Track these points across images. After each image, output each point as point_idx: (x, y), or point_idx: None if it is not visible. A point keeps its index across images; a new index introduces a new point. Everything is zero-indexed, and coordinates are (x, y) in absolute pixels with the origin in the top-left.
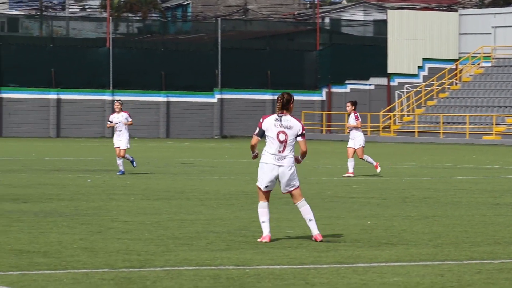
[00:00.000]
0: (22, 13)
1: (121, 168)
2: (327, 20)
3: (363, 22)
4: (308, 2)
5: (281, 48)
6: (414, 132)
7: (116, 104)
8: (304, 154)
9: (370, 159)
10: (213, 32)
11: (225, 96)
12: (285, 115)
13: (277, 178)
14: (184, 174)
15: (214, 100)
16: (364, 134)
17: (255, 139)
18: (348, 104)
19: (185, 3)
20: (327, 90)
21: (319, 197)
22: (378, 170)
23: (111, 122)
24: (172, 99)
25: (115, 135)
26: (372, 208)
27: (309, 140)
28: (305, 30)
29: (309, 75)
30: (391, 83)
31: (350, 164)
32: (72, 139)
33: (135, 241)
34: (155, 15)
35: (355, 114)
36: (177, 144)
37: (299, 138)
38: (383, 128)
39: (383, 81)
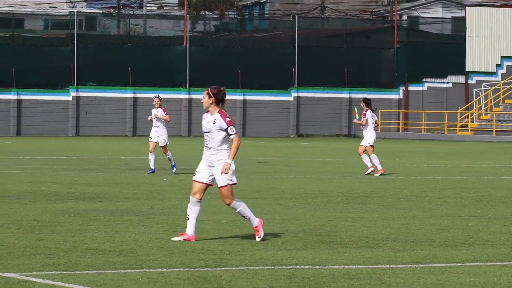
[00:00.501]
0: (100, 11)
1: (151, 165)
2: (404, 17)
3: (441, 19)
4: (386, 0)
5: (358, 46)
6: (492, 130)
7: (156, 99)
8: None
9: (366, 160)
10: (290, 30)
11: (301, 94)
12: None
13: None
14: (260, 173)
15: (291, 98)
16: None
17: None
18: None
19: (262, 1)
20: (404, 89)
21: (395, 196)
22: (368, 171)
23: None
24: (248, 97)
25: (152, 130)
26: (449, 208)
27: (386, 139)
28: (383, 28)
29: (386, 73)
30: (469, 81)
31: (375, 160)
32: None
33: (211, 240)
34: (232, 13)
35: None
36: (253, 143)
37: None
38: (460, 126)
39: (461, 79)
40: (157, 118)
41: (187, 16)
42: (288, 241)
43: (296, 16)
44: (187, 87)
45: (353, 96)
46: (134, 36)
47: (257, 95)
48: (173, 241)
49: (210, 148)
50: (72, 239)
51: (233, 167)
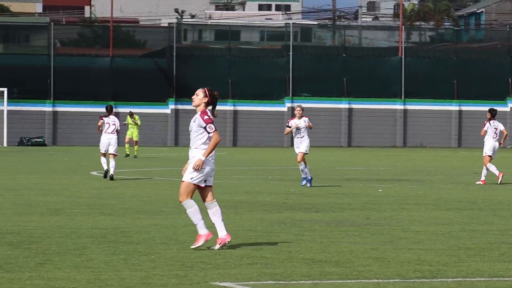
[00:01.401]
0: (315, 22)
1: (307, 175)
2: None
3: None
4: None
5: None
6: None
7: (297, 109)
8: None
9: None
10: (506, 40)
11: None
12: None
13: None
14: (476, 184)
15: (507, 109)
16: None
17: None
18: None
19: (478, 11)
20: None
21: None
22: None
23: (290, 127)
24: (464, 108)
25: (295, 140)
26: None
27: None
28: None
29: None
30: None
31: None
32: (363, 149)
33: (427, 251)
34: (448, 23)
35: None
36: (469, 154)
37: None
38: None
39: None
40: (302, 129)
41: (402, 27)
42: (505, 252)
43: None
44: (402, 98)
45: None
46: (349, 47)
47: (472, 105)
48: (193, 248)
49: (191, 147)
50: (288, 249)
51: (207, 169)
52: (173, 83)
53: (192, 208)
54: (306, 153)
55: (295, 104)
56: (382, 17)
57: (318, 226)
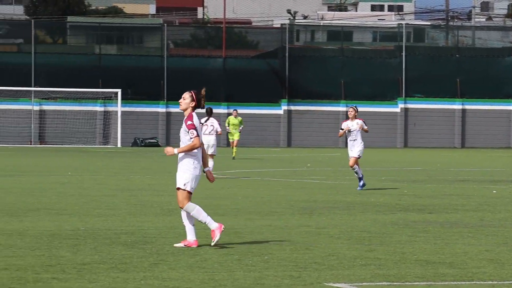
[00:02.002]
0: (428, 23)
1: (359, 175)
2: None
3: None
4: None
5: None
6: None
7: (350, 110)
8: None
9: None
10: None
11: None
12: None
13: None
14: None
15: None
16: None
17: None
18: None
19: None
20: None
21: None
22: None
23: (343, 129)
24: None
25: (348, 143)
26: None
27: None
28: None
29: None
30: None
31: None
32: (477, 149)
33: None
34: None
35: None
36: None
37: None
38: None
39: None
40: (354, 131)
41: None
42: None
43: None
44: None
45: None
46: (463, 48)
47: None
48: (175, 246)
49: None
50: (402, 250)
51: (190, 175)
52: (285, 84)
53: (195, 210)
54: (359, 158)
55: (348, 107)
56: (495, 17)
57: (431, 227)
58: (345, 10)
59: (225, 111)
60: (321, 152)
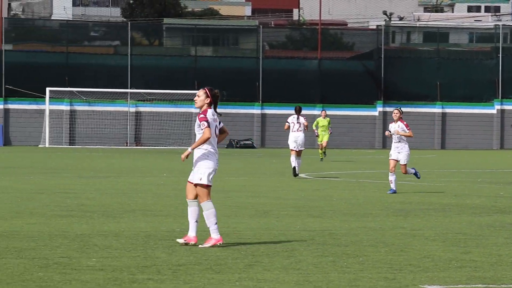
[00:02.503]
0: None
1: (393, 186)
2: None
3: None
4: None
5: None
6: None
7: (395, 111)
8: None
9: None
10: None
11: None
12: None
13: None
14: None
15: None
16: None
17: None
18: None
19: None
20: None
21: None
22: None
23: (390, 131)
24: None
25: (392, 146)
26: None
27: None
28: None
29: None
30: None
31: None
32: None
33: None
34: None
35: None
36: None
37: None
38: None
39: None
40: (394, 134)
41: None
42: None
43: None
44: None
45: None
46: None
47: None
48: (177, 242)
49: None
50: (498, 252)
51: (207, 170)
52: (380, 86)
53: (208, 211)
54: (405, 165)
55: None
56: None
57: None
58: (441, 11)
59: (319, 112)
60: (416, 154)
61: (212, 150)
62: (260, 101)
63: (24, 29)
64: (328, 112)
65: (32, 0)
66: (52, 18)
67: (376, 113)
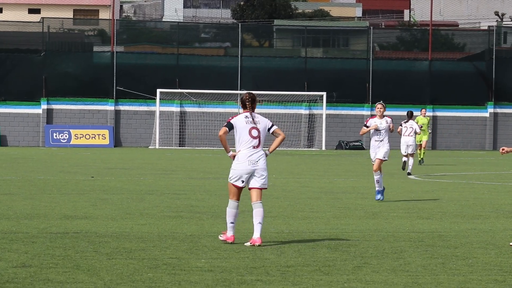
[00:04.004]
0: None
1: (378, 187)
2: None
3: None
4: None
5: None
6: None
7: (378, 106)
8: (280, 141)
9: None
10: None
11: None
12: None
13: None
14: None
15: None
16: None
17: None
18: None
19: None
20: None
21: None
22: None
23: (368, 126)
24: None
25: (372, 143)
26: None
27: None
28: None
29: None
30: None
31: None
32: None
33: None
34: None
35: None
36: None
37: (273, 128)
38: None
39: None
40: (382, 130)
41: None
42: None
43: None
44: None
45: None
46: None
47: None
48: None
49: None
50: None
51: (232, 170)
52: (492, 87)
53: (228, 209)
54: (385, 160)
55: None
56: None
57: None
58: None
59: (430, 113)
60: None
61: (245, 151)
62: (370, 102)
63: (135, 31)
64: (439, 113)
65: (144, 2)
66: (163, 20)
67: (487, 114)
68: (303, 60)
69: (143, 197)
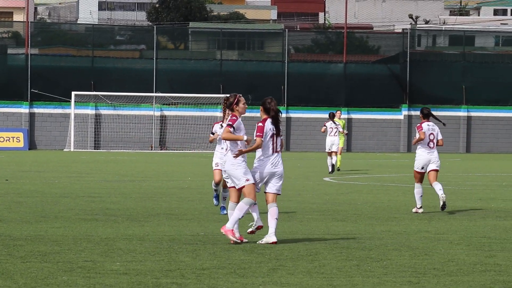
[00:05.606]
0: None
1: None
2: None
3: None
4: None
5: None
6: None
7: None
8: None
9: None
10: None
11: None
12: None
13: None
14: None
15: None
16: None
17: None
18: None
19: None
20: None
21: None
22: None
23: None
24: None
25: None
26: None
27: None
28: None
29: None
30: None
31: None
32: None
33: None
34: None
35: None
36: None
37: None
38: None
39: None
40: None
41: None
42: None
43: None
44: None
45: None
46: None
47: None
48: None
49: None
50: None
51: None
52: (406, 89)
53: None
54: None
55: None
56: None
57: None
58: (467, 14)
59: (345, 116)
60: (440, 158)
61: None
62: (285, 105)
63: (50, 34)
64: (353, 116)
65: (59, 4)
66: (78, 22)
67: (402, 117)
68: (218, 63)
69: (58, 200)
